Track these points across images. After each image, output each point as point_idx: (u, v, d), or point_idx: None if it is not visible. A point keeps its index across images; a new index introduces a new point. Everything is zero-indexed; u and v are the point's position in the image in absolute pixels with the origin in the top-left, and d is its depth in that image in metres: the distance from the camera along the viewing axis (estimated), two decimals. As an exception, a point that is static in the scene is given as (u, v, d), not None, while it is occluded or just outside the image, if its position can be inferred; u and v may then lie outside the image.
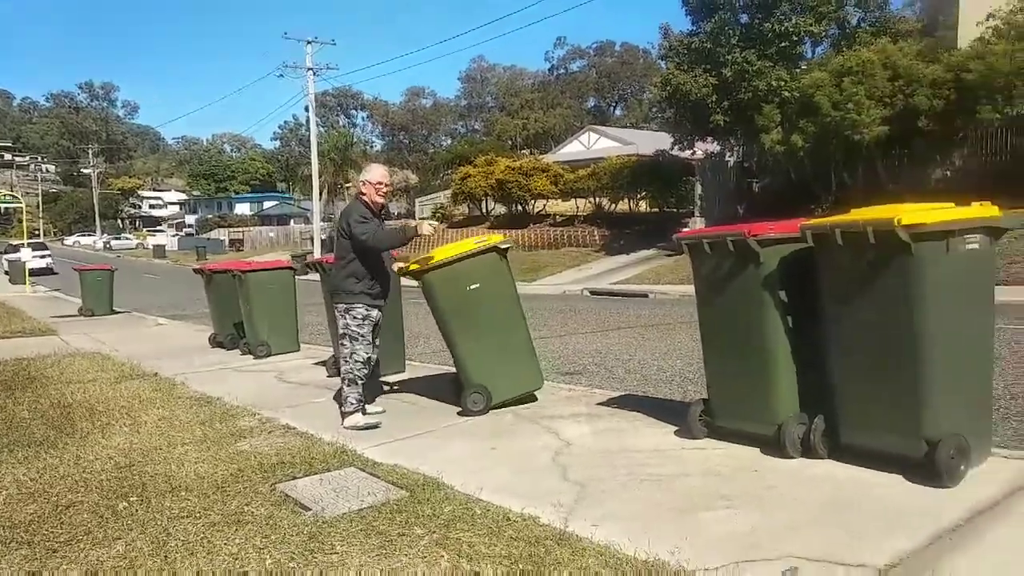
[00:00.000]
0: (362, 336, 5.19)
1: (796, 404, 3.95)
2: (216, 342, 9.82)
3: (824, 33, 20.17)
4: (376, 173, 5.37)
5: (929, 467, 3.35)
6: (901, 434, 3.45)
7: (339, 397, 5.37)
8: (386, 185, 5.37)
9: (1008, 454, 3.85)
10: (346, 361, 5.21)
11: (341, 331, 5.25)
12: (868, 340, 3.54)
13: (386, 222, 5.56)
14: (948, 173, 17.76)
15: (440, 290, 5.25)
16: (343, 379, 5.24)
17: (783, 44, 19.29)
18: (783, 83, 18.63)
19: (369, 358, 5.26)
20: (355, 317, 5.17)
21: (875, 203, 3.86)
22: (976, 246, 3.46)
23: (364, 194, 5.27)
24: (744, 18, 20.55)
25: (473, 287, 5.25)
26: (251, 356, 8.68)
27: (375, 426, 5.15)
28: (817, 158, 17.98)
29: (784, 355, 3.94)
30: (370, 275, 5.17)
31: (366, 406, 5.37)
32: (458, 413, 5.34)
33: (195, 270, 10.97)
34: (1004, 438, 4.26)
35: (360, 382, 5.21)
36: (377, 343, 5.39)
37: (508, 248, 5.50)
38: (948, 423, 3.38)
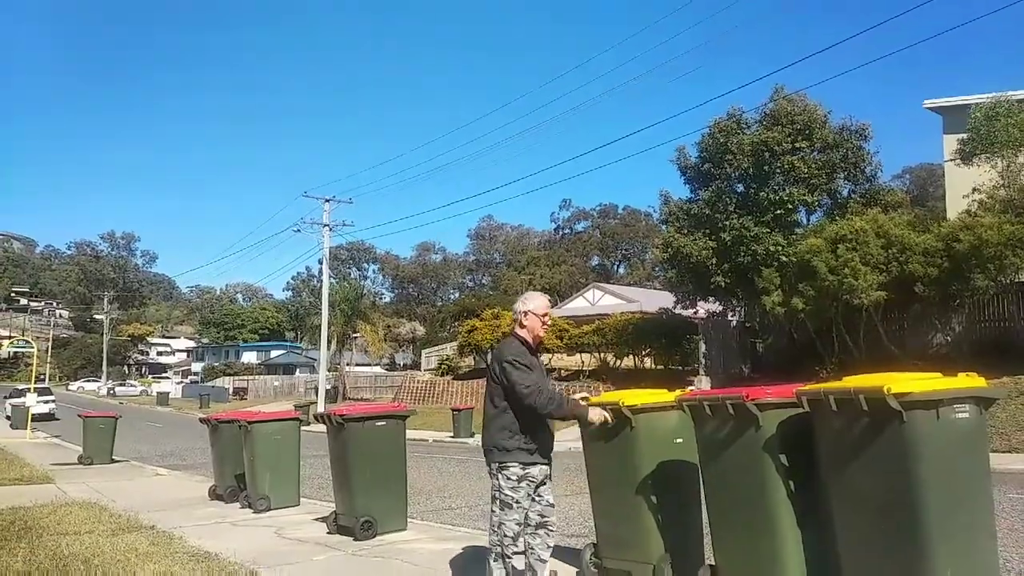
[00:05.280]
0: (516, 502, 4.22)
1: (803, 570, 3.90)
2: (216, 494, 9.67)
3: (817, 202, 21.19)
4: (541, 302, 4.53)
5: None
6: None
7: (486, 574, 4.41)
8: (550, 317, 4.58)
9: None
10: (494, 531, 4.27)
11: (493, 493, 4.35)
12: (866, 507, 3.57)
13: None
14: (948, 338, 18.02)
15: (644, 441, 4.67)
16: (490, 550, 4.32)
17: (779, 212, 20.21)
18: (780, 248, 19.37)
19: (522, 529, 4.27)
20: (508, 478, 4.23)
21: (878, 367, 4.01)
22: (966, 415, 3.57)
23: (524, 326, 4.43)
24: (740, 187, 21.62)
25: (678, 440, 4.82)
26: (251, 509, 8.54)
27: None
28: (818, 320, 18.35)
29: (788, 519, 3.92)
30: (527, 428, 4.27)
31: None
32: None
33: (201, 420, 11.01)
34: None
35: (510, 558, 4.20)
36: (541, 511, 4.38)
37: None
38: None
